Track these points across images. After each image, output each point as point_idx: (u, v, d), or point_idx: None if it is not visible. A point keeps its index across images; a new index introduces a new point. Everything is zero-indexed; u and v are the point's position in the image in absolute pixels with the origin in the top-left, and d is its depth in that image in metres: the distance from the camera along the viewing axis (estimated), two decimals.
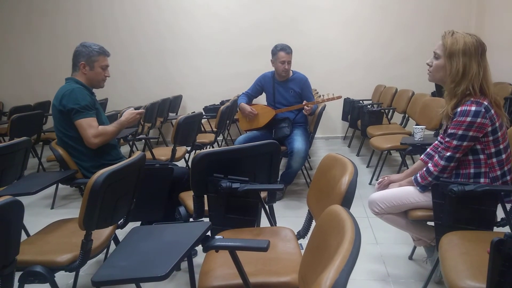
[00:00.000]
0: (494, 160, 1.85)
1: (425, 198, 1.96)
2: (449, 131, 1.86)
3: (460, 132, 1.81)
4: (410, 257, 2.43)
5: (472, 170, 1.88)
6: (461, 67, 1.81)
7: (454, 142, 1.83)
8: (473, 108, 1.78)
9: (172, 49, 6.40)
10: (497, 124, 1.82)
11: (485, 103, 1.80)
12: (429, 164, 1.96)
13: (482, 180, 1.87)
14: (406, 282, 2.19)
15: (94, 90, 2.57)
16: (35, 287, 1.80)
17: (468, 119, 1.78)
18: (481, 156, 1.86)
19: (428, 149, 2.21)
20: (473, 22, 5.69)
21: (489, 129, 1.80)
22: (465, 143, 1.82)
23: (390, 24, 5.94)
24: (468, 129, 1.79)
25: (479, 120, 1.77)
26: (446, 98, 1.91)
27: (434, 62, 1.92)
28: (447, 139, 1.87)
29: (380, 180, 2.23)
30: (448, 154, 1.86)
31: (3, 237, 1.36)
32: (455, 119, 1.83)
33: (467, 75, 1.80)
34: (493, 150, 1.84)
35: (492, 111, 1.80)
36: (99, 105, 2.56)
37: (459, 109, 1.82)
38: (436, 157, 1.93)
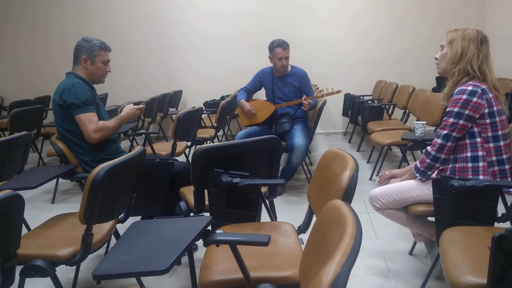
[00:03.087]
0: (491, 145, 1.88)
1: (426, 192, 1.96)
2: (447, 110, 1.91)
3: (456, 109, 1.85)
4: (411, 253, 2.43)
5: (469, 154, 1.90)
6: (460, 48, 1.90)
7: (451, 120, 1.87)
8: (470, 88, 1.84)
9: (172, 44, 6.38)
10: (495, 108, 1.85)
11: (483, 86, 1.85)
12: (427, 147, 1.99)
13: (480, 164, 1.88)
14: (406, 278, 2.20)
15: (94, 86, 2.57)
16: (36, 281, 1.81)
17: (464, 96, 1.83)
18: (478, 139, 1.88)
19: None
20: (474, 19, 5.66)
21: (486, 110, 1.83)
22: (461, 121, 1.85)
23: (390, 20, 5.91)
24: (464, 107, 1.83)
25: (475, 99, 1.82)
26: (448, 81, 1.98)
27: (439, 53, 2.02)
28: (444, 118, 1.92)
29: (381, 174, 2.23)
30: (445, 132, 1.89)
31: (4, 231, 1.36)
32: (452, 98, 1.89)
33: (465, 56, 1.89)
34: (490, 134, 1.86)
35: (490, 95, 1.85)
36: (100, 100, 2.56)
37: (456, 90, 1.88)
38: (434, 139, 1.96)
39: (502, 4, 5.09)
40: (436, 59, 2.03)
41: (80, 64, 2.47)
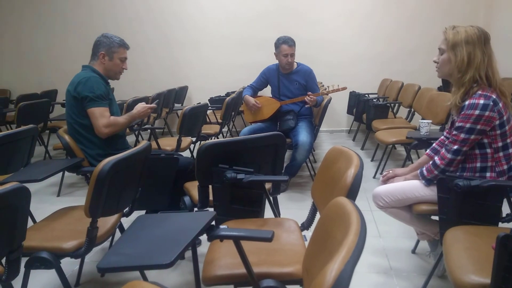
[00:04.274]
0: (501, 154, 1.84)
1: (430, 192, 1.95)
2: (457, 124, 1.85)
3: (468, 125, 1.80)
4: (413, 251, 2.43)
5: (478, 164, 1.87)
6: (466, 55, 1.81)
7: (462, 135, 1.83)
8: (482, 102, 1.77)
9: (178, 40, 6.38)
10: (504, 118, 1.81)
11: (493, 96, 1.79)
12: (436, 158, 1.95)
13: (488, 174, 1.86)
14: (408, 276, 2.19)
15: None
16: (41, 273, 1.82)
17: (476, 112, 1.77)
18: (488, 150, 1.85)
19: (434, 144, 2.20)
20: (481, 16, 5.62)
21: (497, 122, 1.80)
22: (472, 137, 1.81)
23: (396, 18, 5.89)
24: (476, 123, 1.79)
25: (487, 113, 1.77)
26: (454, 89, 1.91)
27: (440, 57, 1.93)
28: (454, 132, 1.86)
29: (385, 173, 2.22)
30: (455, 147, 1.85)
31: (10, 223, 1.37)
32: (463, 113, 1.82)
33: (473, 63, 1.81)
34: (500, 144, 1.83)
35: (500, 104, 1.80)
36: (113, 95, 2.58)
37: (467, 103, 1.81)
38: (443, 150, 1.92)
39: (509, 1, 5.04)
40: (436, 62, 1.94)
41: (98, 59, 2.50)
